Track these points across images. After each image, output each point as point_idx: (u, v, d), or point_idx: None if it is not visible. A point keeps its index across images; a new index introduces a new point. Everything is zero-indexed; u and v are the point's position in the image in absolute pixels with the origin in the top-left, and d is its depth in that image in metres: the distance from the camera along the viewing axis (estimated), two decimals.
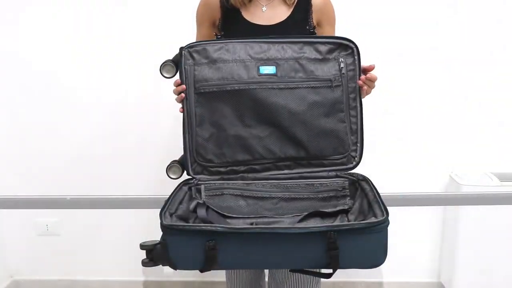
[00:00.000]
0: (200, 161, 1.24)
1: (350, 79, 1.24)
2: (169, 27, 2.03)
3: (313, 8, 1.39)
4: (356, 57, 1.24)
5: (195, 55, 1.23)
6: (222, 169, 1.25)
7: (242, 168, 1.25)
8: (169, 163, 1.27)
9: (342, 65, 1.24)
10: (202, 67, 1.22)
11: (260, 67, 1.22)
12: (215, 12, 1.39)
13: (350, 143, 1.25)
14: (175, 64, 1.23)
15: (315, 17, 1.40)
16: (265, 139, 1.24)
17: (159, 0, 2.03)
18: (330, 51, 1.24)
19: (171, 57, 1.25)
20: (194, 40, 1.41)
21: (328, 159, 1.26)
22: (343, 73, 1.24)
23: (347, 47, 1.24)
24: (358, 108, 1.25)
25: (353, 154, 1.26)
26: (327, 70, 1.24)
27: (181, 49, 1.23)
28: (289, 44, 1.24)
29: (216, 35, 1.42)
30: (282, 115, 1.22)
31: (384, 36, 2.03)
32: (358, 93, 1.25)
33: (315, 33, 1.40)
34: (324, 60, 1.24)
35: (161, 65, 1.23)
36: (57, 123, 2.17)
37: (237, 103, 1.22)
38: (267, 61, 1.23)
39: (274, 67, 1.23)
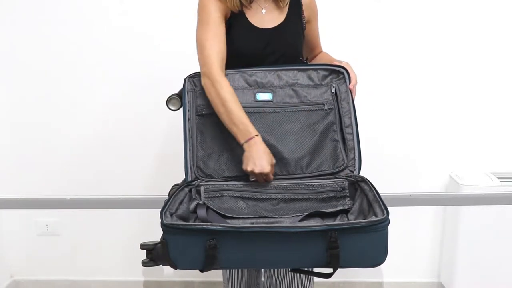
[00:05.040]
0: (200, 176, 1.27)
1: (343, 100, 1.31)
2: (167, 27, 2.03)
3: (304, 6, 1.43)
4: (347, 81, 1.32)
5: (197, 83, 1.32)
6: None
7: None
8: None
9: (333, 90, 1.32)
10: (203, 93, 1.30)
11: (256, 94, 1.32)
12: (227, 9, 1.35)
13: (346, 159, 1.28)
14: (180, 98, 1.32)
15: (306, 15, 1.44)
16: None
17: None
18: (323, 78, 1.34)
19: (176, 91, 1.34)
20: (200, 42, 1.33)
21: (326, 174, 1.28)
22: (333, 93, 1.32)
23: (339, 72, 1.33)
24: (354, 127, 1.30)
25: (351, 168, 1.28)
26: (319, 95, 1.32)
27: (185, 79, 1.32)
28: (283, 71, 1.32)
29: None
30: (278, 134, 1.29)
31: (384, 35, 2.03)
32: (353, 113, 1.31)
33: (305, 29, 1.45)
34: (317, 86, 1.33)
35: (168, 99, 1.33)
36: (57, 123, 2.17)
37: None
38: (263, 89, 1.32)
39: (270, 93, 1.32)
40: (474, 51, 2.03)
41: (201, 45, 1.30)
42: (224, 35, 1.32)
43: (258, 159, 1.19)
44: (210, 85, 1.26)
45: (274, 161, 1.24)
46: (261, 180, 1.23)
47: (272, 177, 1.23)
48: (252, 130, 1.22)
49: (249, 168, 1.19)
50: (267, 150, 1.22)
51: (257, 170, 1.19)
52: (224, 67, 1.30)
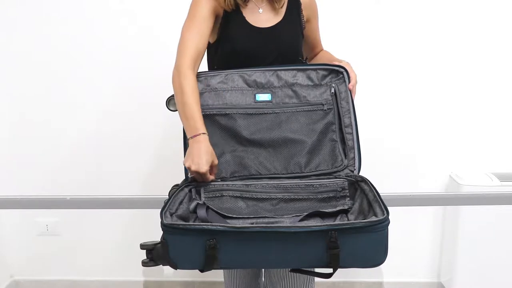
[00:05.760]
0: None
1: (342, 100, 1.31)
2: (167, 27, 2.03)
3: (303, 6, 1.43)
4: (347, 81, 1.31)
5: (197, 83, 1.30)
6: None
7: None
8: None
9: (333, 89, 1.31)
10: (204, 94, 1.31)
11: (256, 94, 1.32)
12: (219, 8, 1.36)
13: (344, 159, 1.29)
14: None
15: (305, 14, 1.44)
16: (261, 158, 1.29)
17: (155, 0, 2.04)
18: (323, 77, 1.33)
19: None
20: (182, 34, 1.33)
21: (325, 173, 1.28)
22: (333, 93, 1.31)
23: (338, 72, 1.32)
24: (354, 127, 1.30)
25: (351, 168, 1.28)
26: (319, 95, 1.32)
27: None
28: (283, 71, 1.32)
29: (215, 41, 1.41)
30: (277, 135, 1.29)
31: (384, 36, 2.03)
32: (353, 113, 1.31)
33: (304, 29, 1.45)
34: (316, 86, 1.32)
35: (167, 100, 1.33)
36: (57, 123, 2.17)
37: (235, 125, 1.29)
38: (263, 89, 1.32)
39: (270, 94, 1.32)
40: (474, 51, 2.03)
41: (182, 37, 1.32)
42: (206, 33, 1.33)
43: (197, 157, 1.18)
44: (176, 76, 1.27)
45: (216, 162, 1.23)
46: (199, 178, 1.21)
47: (210, 177, 1.22)
48: (200, 128, 1.21)
49: (186, 164, 1.19)
50: (209, 150, 1.21)
51: (193, 167, 1.18)
52: (197, 62, 1.31)
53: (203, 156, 1.18)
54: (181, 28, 1.33)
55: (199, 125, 1.21)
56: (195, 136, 1.20)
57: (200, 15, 1.32)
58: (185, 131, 1.23)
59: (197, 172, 1.18)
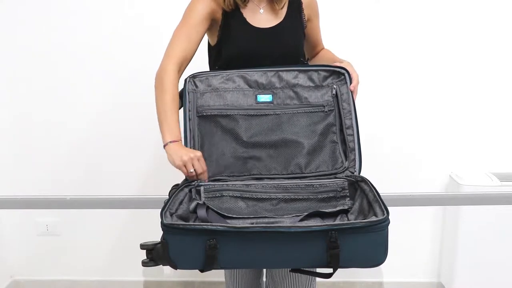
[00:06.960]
0: None
1: (344, 101, 1.31)
2: (168, 26, 2.03)
3: (304, 5, 1.43)
4: (348, 82, 1.31)
5: (198, 83, 1.31)
6: None
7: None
8: None
9: (334, 91, 1.31)
10: (205, 94, 1.31)
11: (257, 95, 1.32)
12: (217, 11, 1.36)
13: (344, 161, 1.29)
14: (180, 98, 1.31)
15: (306, 13, 1.44)
16: (262, 159, 1.29)
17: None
18: (324, 79, 1.33)
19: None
20: (172, 37, 1.35)
21: (325, 174, 1.29)
22: (334, 94, 1.31)
23: (339, 73, 1.32)
24: (355, 128, 1.30)
25: (351, 170, 1.28)
26: (320, 97, 1.32)
27: (186, 79, 1.31)
28: (284, 72, 1.32)
29: (214, 44, 1.42)
30: (278, 137, 1.29)
31: (384, 36, 2.03)
32: (354, 114, 1.31)
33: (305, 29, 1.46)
34: (317, 87, 1.32)
35: None
36: (57, 123, 2.17)
37: (236, 126, 1.29)
38: (264, 90, 1.32)
39: (271, 95, 1.32)
40: (474, 51, 2.03)
41: (171, 40, 1.34)
42: (196, 39, 1.34)
43: (185, 150, 1.20)
44: (160, 77, 1.28)
45: None
46: (198, 168, 1.20)
47: (204, 166, 1.22)
48: (179, 134, 1.23)
49: (184, 157, 1.18)
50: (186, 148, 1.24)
51: (191, 155, 1.18)
52: (182, 67, 1.32)
53: (188, 149, 1.21)
54: (173, 31, 1.34)
55: (178, 132, 1.23)
56: (174, 141, 1.21)
57: (193, 20, 1.34)
58: (161, 134, 1.23)
59: (196, 157, 1.19)
